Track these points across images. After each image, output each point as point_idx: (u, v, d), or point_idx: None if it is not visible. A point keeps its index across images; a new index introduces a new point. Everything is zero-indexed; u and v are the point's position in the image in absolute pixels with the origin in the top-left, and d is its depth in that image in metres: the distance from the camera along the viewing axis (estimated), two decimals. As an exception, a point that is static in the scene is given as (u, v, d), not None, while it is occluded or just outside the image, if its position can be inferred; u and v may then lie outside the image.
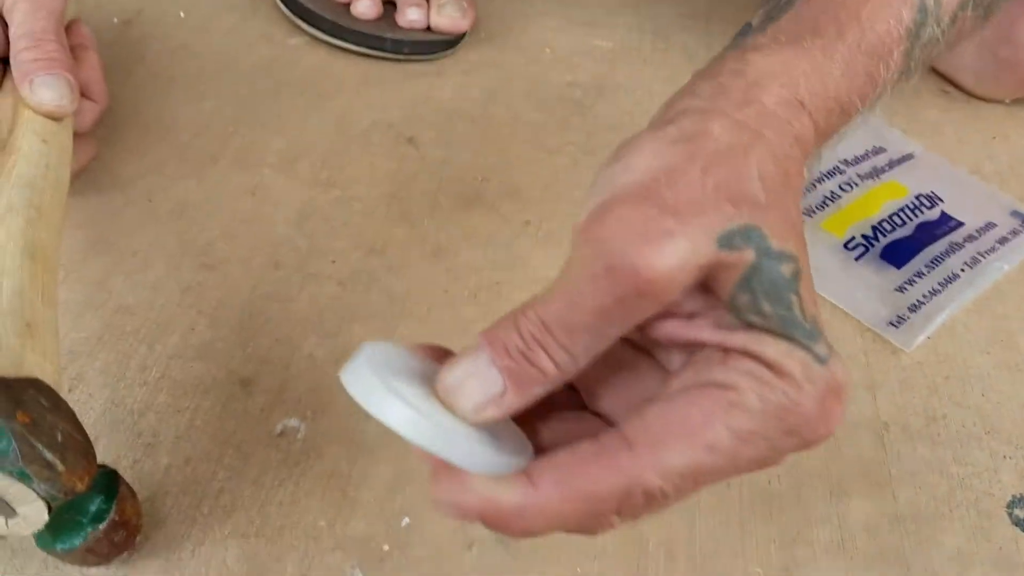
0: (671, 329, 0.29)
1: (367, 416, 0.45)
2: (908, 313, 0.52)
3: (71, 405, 0.44)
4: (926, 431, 0.48)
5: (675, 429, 0.27)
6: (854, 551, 0.43)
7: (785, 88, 0.31)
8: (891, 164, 0.61)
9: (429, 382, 0.29)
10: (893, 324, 0.52)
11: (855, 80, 0.32)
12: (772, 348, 0.27)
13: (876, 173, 0.61)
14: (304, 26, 0.66)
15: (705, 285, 0.28)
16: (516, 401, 0.28)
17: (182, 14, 0.66)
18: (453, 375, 0.28)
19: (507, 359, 0.28)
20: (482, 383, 0.28)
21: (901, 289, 0.54)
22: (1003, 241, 0.57)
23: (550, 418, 0.31)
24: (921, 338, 0.52)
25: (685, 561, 0.42)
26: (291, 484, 0.43)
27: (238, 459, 0.44)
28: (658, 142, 0.29)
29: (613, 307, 0.27)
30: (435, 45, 0.66)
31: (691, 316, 0.29)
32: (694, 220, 0.27)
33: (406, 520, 0.42)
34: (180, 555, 0.40)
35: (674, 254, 0.26)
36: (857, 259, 0.55)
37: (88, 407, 0.45)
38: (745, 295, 0.27)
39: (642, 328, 0.29)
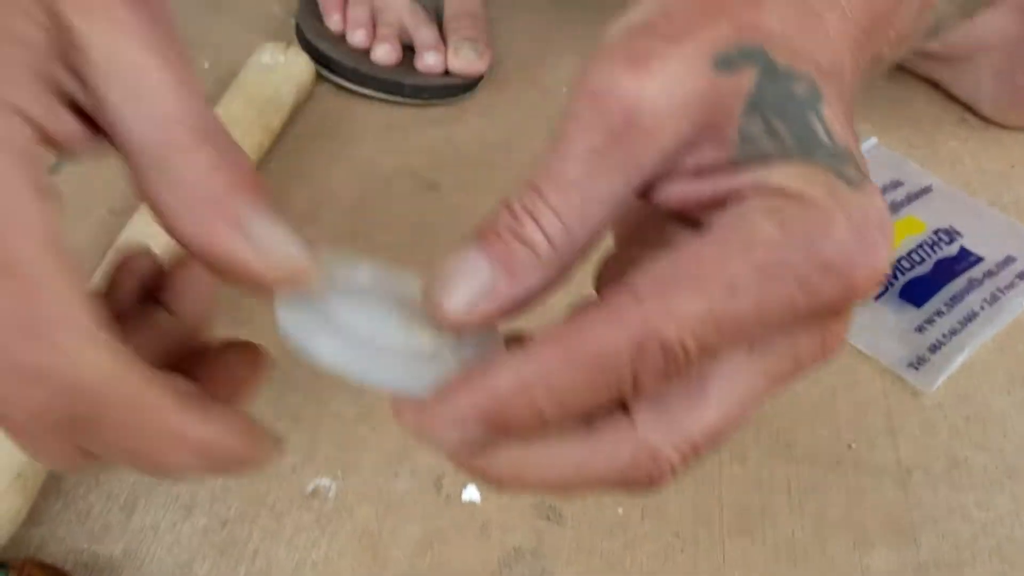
0: (680, 191, 0.25)
1: (396, 474, 0.47)
2: (928, 354, 0.53)
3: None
4: (948, 476, 0.48)
5: (688, 273, 0.23)
6: (878, 601, 0.43)
7: None
8: (909, 198, 0.62)
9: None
10: (913, 365, 0.52)
11: None
12: (784, 173, 0.23)
13: (894, 208, 0.61)
14: (326, 73, 0.67)
15: (709, 126, 0.24)
16: (509, 290, 0.24)
17: (206, 65, 0.68)
18: (438, 278, 0.24)
19: (495, 241, 0.24)
20: (469, 275, 0.24)
21: (920, 329, 0.54)
22: (1022, 276, 0.57)
23: None
24: (941, 379, 0.52)
25: (710, 615, 0.42)
26: (324, 544, 0.44)
27: (272, 520, 0.45)
28: None
29: (603, 145, 0.24)
30: (454, 89, 0.67)
31: (699, 172, 0.25)
32: (686, 40, 0.24)
33: (436, 578, 0.43)
34: (219, 619, 0.41)
35: (662, 73, 0.23)
36: (876, 299, 0.56)
37: (125, 471, 0.46)
38: (754, 119, 0.24)
39: (649, 195, 0.25)
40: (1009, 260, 0.58)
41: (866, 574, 0.44)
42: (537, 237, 0.24)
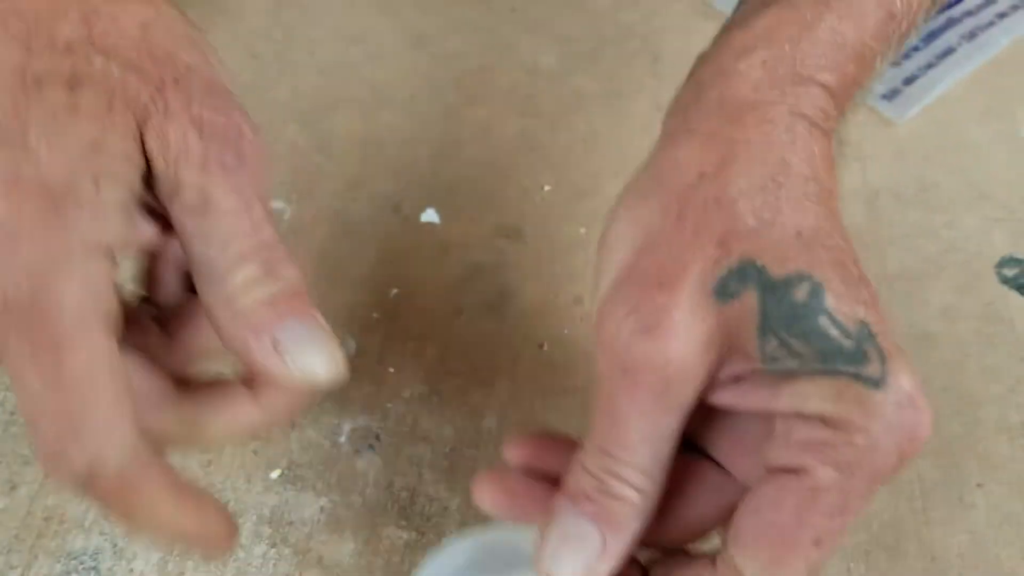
0: (723, 398, 0.26)
1: (353, 199, 0.45)
2: (902, 86, 0.51)
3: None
4: (918, 198, 0.47)
5: (779, 548, 0.25)
6: (842, 311, 0.43)
7: (769, 65, 0.27)
8: (890, -59, 0.59)
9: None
10: (886, 97, 0.51)
11: (864, 22, 0.28)
12: (817, 399, 0.24)
13: (874, -50, 0.58)
14: None
15: (731, 349, 0.25)
16: (619, 544, 0.26)
17: None
18: (546, 550, 0.26)
19: (590, 504, 0.26)
20: (578, 542, 0.26)
21: (895, 63, 0.52)
22: (1002, 16, 0.55)
23: None
24: (915, 110, 0.51)
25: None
26: (279, 261, 0.43)
27: (224, 239, 0.43)
28: (631, 203, 0.27)
29: (651, 406, 0.25)
30: None
31: (737, 379, 0.26)
32: (683, 283, 0.25)
33: (395, 291, 0.42)
34: (171, 326, 0.40)
35: (675, 330, 0.24)
36: (852, 35, 0.53)
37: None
38: (769, 341, 0.24)
39: (703, 405, 0.27)
40: (989, 1, 0.56)
41: (831, 285, 0.43)
42: (626, 491, 0.26)
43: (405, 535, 0.35)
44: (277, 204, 0.45)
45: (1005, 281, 0.44)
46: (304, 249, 0.43)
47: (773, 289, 0.24)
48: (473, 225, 0.45)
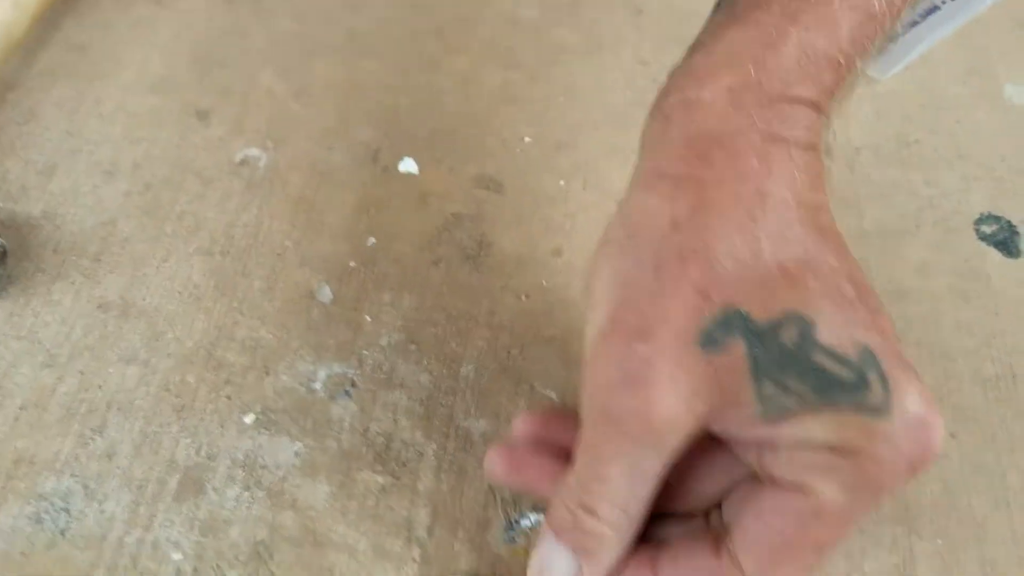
0: (722, 431, 0.26)
1: (330, 147, 0.45)
2: (884, 43, 0.51)
3: (26, 137, 0.44)
4: (898, 155, 0.47)
5: (781, 553, 0.25)
6: (820, 265, 0.43)
7: (735, 91, 0.26)
8: (876, -101, 0.58)
9: None
10: (870, 54, 0.50)
11: (838, 33, 0.27)
12: (821, 431, 0.24)
13: (860, -93, 0.58)
14: None
15: (722, 398, 0.25)
16: (597, 569, 0.27)
17: None
18: (533, 570, 0.28)
19: (567, 535, 0.27)
20: (557, 568, 0.27)
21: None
22: (988, -25, 0.55)
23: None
24: (897, 68, 0.50)
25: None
26: (255, 208, 0.42)
27: (199, 185, 0.43)
28: (609, 255, 0.27)
29: (631, 449, 0.25)
30: None
31: (732, 426, 0.26)
32: (664, 334, 0.24)
33: (372, 240, 0.42)
34: (145, 271, 0.40)
35: (660, 381, 0.24)
36: (836, -8, 0.53)
37: (44, 138, 0.44)
38: (765, 384, 0.24)
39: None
40: (975, -40, 0.56)
41: (810, 239, 0.43)
42: (598, 527, 0.26)
43: (380, 479, 0.35)
44: (252, 151, 0.44)
45: (983, 238, 0.44)
46: (280, 196, 0.43)
47: (760, 335, 0.24)
48: (452, 175, 0.44)
